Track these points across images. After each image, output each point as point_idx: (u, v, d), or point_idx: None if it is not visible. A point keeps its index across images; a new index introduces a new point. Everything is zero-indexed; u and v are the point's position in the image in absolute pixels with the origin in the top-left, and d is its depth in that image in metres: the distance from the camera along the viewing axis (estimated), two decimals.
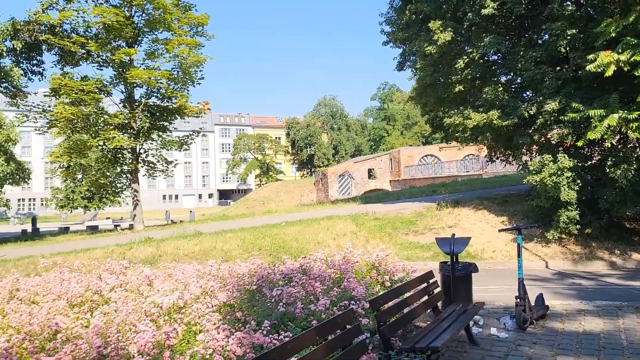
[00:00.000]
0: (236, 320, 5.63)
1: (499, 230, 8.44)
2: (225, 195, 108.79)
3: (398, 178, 57.90)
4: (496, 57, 18.03)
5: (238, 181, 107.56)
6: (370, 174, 61.74)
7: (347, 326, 4.96)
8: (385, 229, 16.85)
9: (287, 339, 4.51)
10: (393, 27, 21.03)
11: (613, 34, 12.58)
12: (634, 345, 6.69)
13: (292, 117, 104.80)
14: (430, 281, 7.43)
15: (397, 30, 20.46)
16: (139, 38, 25.68)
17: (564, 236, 14.95)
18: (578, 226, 14.27)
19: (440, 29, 16.59)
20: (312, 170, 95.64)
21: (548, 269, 13.55)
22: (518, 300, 7.60)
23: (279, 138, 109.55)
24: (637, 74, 12.18)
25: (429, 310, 7.45)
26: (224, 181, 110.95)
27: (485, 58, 17.52)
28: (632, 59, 12.07)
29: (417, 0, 18.30)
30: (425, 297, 7.20)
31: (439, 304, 7.92)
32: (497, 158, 18.71)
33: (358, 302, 6.46)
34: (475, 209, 17.56)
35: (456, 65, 16.61)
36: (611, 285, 11.29)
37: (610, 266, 13.67)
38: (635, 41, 12.16)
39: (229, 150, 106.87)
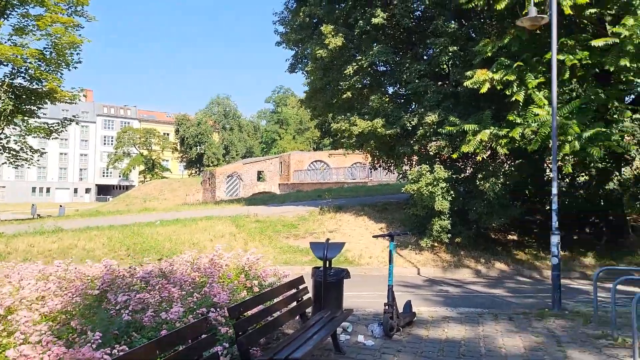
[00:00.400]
0: (71, 330, 4.87)
1: (373, 236, 8.38)
2: (104, 191, 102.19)
3: (287, 182, 57.95)
4: (385, 68, 18.43)
5: (120, 177, 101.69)
6: (260, 176, 61.22)
7: (200, 336, 4.45)
8: (266, 231, 16.46)
9: (121, 353, 3.90)
10: (287, 28, 20.79)
11: (489, 54, 13.27)
12: (491, 352, 6.84)
13: (182, 113, 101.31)
14: (300, 287, 7.10)
15: (291, 32, 20.24)
16: (7, 11, 23.06)
17: (436, 244, 15.52)
18: (449, 235, 14.88)
19: (332, 33, 16.59)
20: (201, 169, 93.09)
21: (420, 276, 13.94)
22: (386, 307, 7.52)
23: (168, 134, 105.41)
24: (508, 93, 12.92)
25: (297, 317, 7.13)
26: (104, 176, 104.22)
27: (375, 67, 17.84)
28: (504, 79, 12.79)
29: (311, 3, 18.21)
30: (294, 304, 6.87)
31: (310, 310, 7.65)
32: (380, 166, 19.12)
33: (219, 310, 5.94)
34: (356, 215, 17.75)
35: (345, 72, 16.70)
36: (475, 292, 11.79)
37: (476, 274, 14.38)
38: (508, 62, 12.90)
39: (112, 143, 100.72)
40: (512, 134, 13.01)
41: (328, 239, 8.18)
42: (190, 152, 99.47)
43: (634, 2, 11.55)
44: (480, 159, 13.97)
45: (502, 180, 13.95)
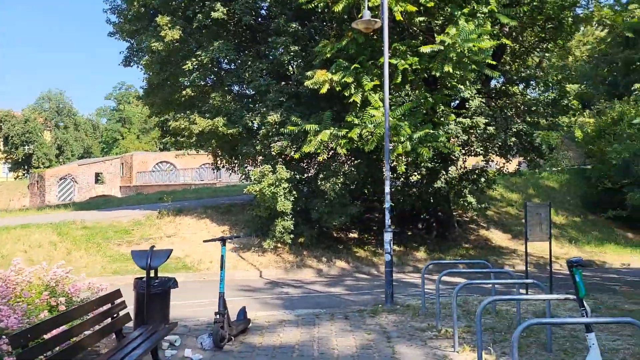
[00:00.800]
0: None
1: (204, 241, 7.81)
2: None
3: (130, 184, 54.38)
4: (228, 66, 17.85)
5: None
6: (98, 178, 56.65)
7: None
8: (95, 239, 14.91)
9: None
10: (120, 18, 19.17)
11: (328, 55, 13.42)
12: (324, 354, 6.67)
13: (6, 109, 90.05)
14: (116, 301, 6.27)
15: (125, 22, 18.69)
16: None
17: (279, 245, 15.35)
18: (292, 235, 14.79)
19: (169, 25, 15.60)
20: (29, 171, 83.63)
21: (262, 279, 13.63)
22: (217, 316, 7.00)
23: None
24: (346, 95, 13.16)
25: (113, 336, 6.30)
26: None
27: (217, 64, 17.18)
28: (342, 80, 13.00)
29: None
30: (108, 320, 6.03)
31: (131, 325, 6.85)
32: (224, 166, 18.48)
33: (4, 337, 4.93)
34: (198, 218, 16.92)
35: (185, 67, 15.79)
36: (315, 292, 11.77)
37: (318, 273, 14.47)
38: (346, 64, 13.15)
39: None
40: (351, 134, 13.29)
41: (153, 246, 7.43)
42: (16, 152, 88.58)
43: (456, 13, 12.44)
44: (322, 159, 14.08)
45: (342, 179, 14.20)
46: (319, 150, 13.74)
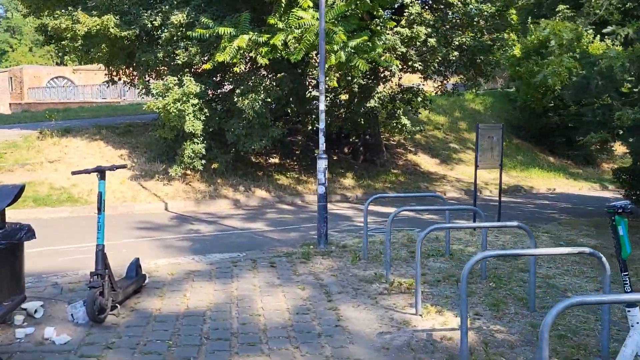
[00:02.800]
0: None
1: (72, 173, 5.61)
2: None
3: (21, 101, 48.49)
4: None
5: None
6: None
7: None
8: None
9: None
10: None
11: None
12: (245, 327, 4.92)
13: None
14: None
15: None
16: None
17: (188, 172, 13.16)
18: (204, 161, 12.64)
19: None
20: None
21: (167, 212, 11.51)
22: (93, 279, 4.98)
23: None
24: None
25: None
26: None
27: None
28: None
29: None
30: None
31: None
32: (119, 79, 15.54)
33: None
34: (89, 140, 14.18)
35: None
36: (232, 229, 9.90)
37: (234, 205, 12.56)
38: None
39: None
40: (274, 40, 11.06)
41: None
42: None
43: None
44: (239, 71, 11.75)
45: (262, 96, 12.03)
46: (235, 60, 11.40)
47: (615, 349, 4.04)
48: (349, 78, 12.52)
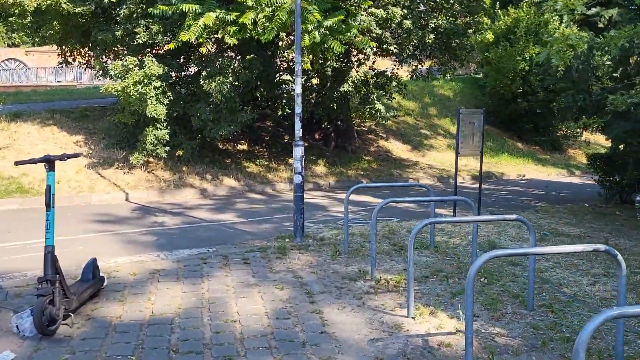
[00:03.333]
0: None
1: (16, 164, 4.89)
2: None
3: None
4: None
5: None
6: None
7: None
8: None
9: None
10: None
11: None
12: (219, 335, 4.35)
13: None
14: None
15: None
16: None
17: (151, 160, 12.38)
18: (167, 148, 11.86)
19: None
20: None
21: (129, 203, 10.73)
22: (42, 286, 4.31)
23: None
24: None
25: None
26: None
27: None
28: None
29: None
30: None
31: None
32: (74, 60, 14.48)
33: None
34: (42, 125, 13.16)
35: None
36: (200, 221, 9.24)
37: (202, 194, 11.87)
38: None
39: None
40: (243, 19, 10.36)
41: None
42: None
43: None
44: (205, 52, 10.99)
45: (231, 79, 11.32)
46: (201, 40, 10.65)
47: None
48: (322, 61, 11.92)
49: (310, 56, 10.94)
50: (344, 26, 10.99)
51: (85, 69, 15.59)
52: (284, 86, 14.22)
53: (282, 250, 6.97)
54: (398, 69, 15.12)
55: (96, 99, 19.51)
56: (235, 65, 11.58)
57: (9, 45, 71.30)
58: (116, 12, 11.60)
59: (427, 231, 7.69)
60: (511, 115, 23.61)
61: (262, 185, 12.95)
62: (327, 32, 10.41)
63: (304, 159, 7.64)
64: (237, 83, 11.56)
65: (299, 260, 6.60)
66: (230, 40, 10.57)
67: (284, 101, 14.69)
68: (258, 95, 13.71)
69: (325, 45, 10.36)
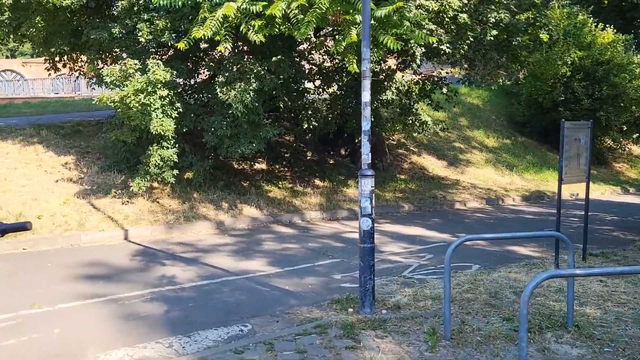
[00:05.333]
0: None
1: None
2: None
3: None
4: None
5: None
6: None
7: None
8: None
9: None
10: None
11: None
12: None
13: None
14: None
15: None
16: None
17: (156, 185, 10.17)
18: (176, 171, 9.63)
19: None
20: None
21: (128, 244, 8.47)
22: None
23: None
24: None
25: None
26: None
27: None
28: None
29: None
30: None
31: None
32: (64, 65, 12.27)
33: None
34: (25, 144, 10.96)
35: None
36: (223, 273, 6.99)
37: (218, 228, 9.63)
38: None
39: None
40: (272, 9, 8.15)
41: None
42: None
43: None
44: (223, 51, 8.76)
45: (254, 86, 9.12)
46: (219, 37, 8.42)
47: None
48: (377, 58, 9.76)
49: (355, 56, 8.71)
50: (400, 13, 8.81)
51: (77, 77, 13.39)
52: (310, 96, 12.12)
53: (350, 331, 4.76)
54: (448, 72, 12.92)
55: (93, 112, 17.34)
56: (259, 68, 9.37)
57: (7, 57, 69.59)
58: (112, 5, 9.44)
59: (544, 292, 5.47)
60: (550, 126, 21.37)
61: (289, 214, 10.72)
62: (380, 24, 8.23)
63: (372, 194, 5.43)
64: (262, 90, 9.34)
65: (380, 353, 4.36)
66: (256, 37, 8.37)
67: (309, 112, 12.54)
68: (281, 105, 11.50)
69: (378, 42, 8.16)
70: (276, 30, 8.66)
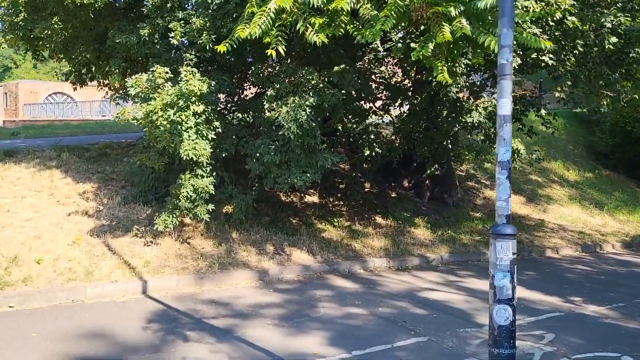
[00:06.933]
0: None
1: None
2: None
3: (15, 118, 44.41)
4: None
5: None
6: None
7: None
8: None
9: None
10: None
11: None
12: None
13: None
14: None
15: None
16: None
17: (188, 222, 8.32)
18: (211, 206, 7.75)
19: None
20: None
21: (146, 300, 6.56)
22: None
23: None
24: None
25: None
26: None
27: None
28: None
29: None
30: None
31: None
32: (87, 76, 10.68)
33: None
34: (40, 168, 9.38)
35: None
36: (266, 356, 4.95)
37: (260, 279, 7.65)
38: None
39: None
40: (337, 3, 6.29)
41: None
42: None
43: None
44: (274, 53, 6.86)
45: (312, 101, 7.20)
46: (269, 39, 6.54)
47: None
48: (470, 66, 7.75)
49: (444, 62, 6.67)
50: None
51: (106, 93, 11.84)
52: (376, 118, 10.18)
53: None
54: (543, 92, 10.70)
55: (129, 132, 15.96)
56: (317, 80, 7.46)
57: (62, 82, 71.11)
58: (141, 2, 7.81)
59: None
60: (638, 158, 18.69)
61: (348, 261, 8.65)
62: (480, 21, 6.21)
63: (514, 261, 3.33)
64: (323, 107, 7.41)
65: None
66: (317, 38, 6.46)
67: (371, 137, 10.58)
68: (339, 126, 9.56)
69: (480, 43, 6.11)
70: (341, 30, 6.75)
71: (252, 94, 9.98)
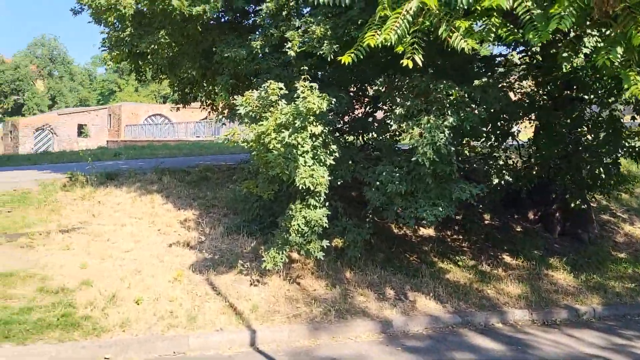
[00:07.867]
0: None
1: None
2: None
3: (117, 138, 46.89)
4: None
5: None
6: (82, 130, 48.93)
7: None
8: None
9: None
10: None
11: None
12: None
13: None
14: None
15: None
16: None
17: (295, 257, 7.32)
18: (326, 241, 6.67)
19: None
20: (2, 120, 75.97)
21: (255, 355, 5.55)
22: None
23: None
24: None
25: None
26: None
27: None
28: None
29: None
30: None
31: None
32: (192, 95, 10.12)
33: None
34: (141, 192, 8.84)
35: None
36: None
37: (383, 332, 6.45)
38: None
39: None
40: (492, 1, 5.08)
41: None
42: (5, 101, 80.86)
43: None
44: (410, 63, 5.72)
45: (451, 121, 6.00)
46: (402, 47, 5.41)
47: None
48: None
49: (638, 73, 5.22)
50: None
51: (209, 113, 11.26)
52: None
53: None
54: None
55: (226, 154, 15.48)
56: (459, 95, 6.23)
57: (162, 103, 74.77)
58: (254, 13, 7.02)
59: None
60: None
61: (483, 312, 7.24)
62: None
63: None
64: (464, 126, 6.17)
65: None
66: (465, 45, 5.26)
67: (499, 162, 9.15)
68: (471, 152, 8.24)
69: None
70: (491, 35, 5.54)
71: (361, 114, 8.96)
